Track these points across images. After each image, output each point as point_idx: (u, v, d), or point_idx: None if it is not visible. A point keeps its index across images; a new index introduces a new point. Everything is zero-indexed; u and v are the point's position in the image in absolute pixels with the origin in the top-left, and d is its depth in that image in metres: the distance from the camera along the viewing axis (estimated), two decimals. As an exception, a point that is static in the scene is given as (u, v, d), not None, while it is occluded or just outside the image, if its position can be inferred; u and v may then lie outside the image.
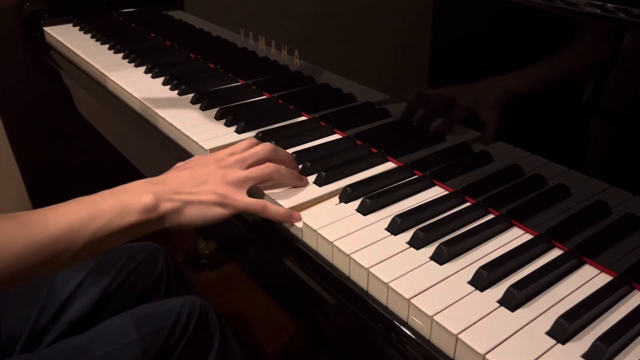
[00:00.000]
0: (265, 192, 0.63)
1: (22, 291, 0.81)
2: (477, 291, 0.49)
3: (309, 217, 0.58)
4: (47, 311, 0.80)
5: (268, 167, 0.61)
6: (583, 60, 0.51)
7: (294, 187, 0.64)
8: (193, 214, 0.57)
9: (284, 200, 0.61)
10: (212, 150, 0.73)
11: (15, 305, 0.80)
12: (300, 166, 0.68)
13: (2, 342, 0.77)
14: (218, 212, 0.58)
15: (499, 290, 0.48)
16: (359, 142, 0.75)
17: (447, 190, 0.64)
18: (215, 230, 0.80)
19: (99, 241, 0.53)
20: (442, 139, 0.68)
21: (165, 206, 0.56)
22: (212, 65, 1.05)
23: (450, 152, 0.67)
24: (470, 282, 0.50)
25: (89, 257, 0.53)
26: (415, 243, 0.54)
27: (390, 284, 0.49)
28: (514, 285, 0.47)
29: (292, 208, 0.60)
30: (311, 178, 0.66)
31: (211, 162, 0.61)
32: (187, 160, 0.64)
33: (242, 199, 0.59)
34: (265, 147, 0.63)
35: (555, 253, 0.54)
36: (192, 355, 0.76)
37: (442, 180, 0.65)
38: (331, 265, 0.55)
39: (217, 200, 0.58)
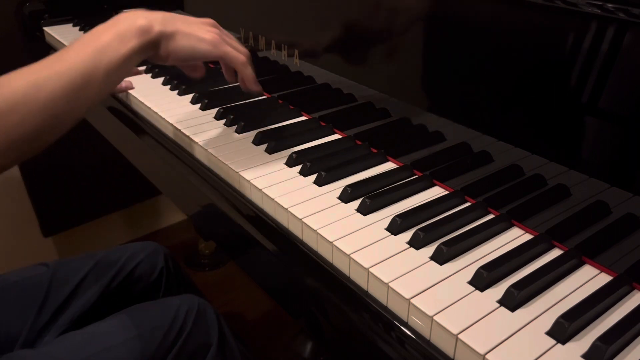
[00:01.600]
0: (265, 190, 0.63)
1: (21, 290, 0.81)
2: (477, 291, 0.49)
3: (309, 217, 0.58)
4: (47, 310, 0.81)
5: (243, 50, 0.68)
6: (583, 60, 0.51)
7: (251, 87, 0.71)
8: (184, 42, 0.61)
9: (284, 200, 0.61)
10: (211, 150, 0.73)
11: (14, 304, 0.80)
12: (300, 166, 0.68)
13: (1, 341, 0.77)
14: (206, 49, 0.63)
15: (499, 290, 0.49)
16: (359, 142, 0.75)
17: (447, 190, 0.64)
18: (215, 230, 0.80)
19: (111, 72, 0.55)
20: (442, 139, 0.68)
21: (159, 29, 0.59)
22: (212, 65, 1.05)
23: (450, 152, 0.67)
24: (470, 282, 0.50)
25: (106, 93, 0.57)
26: (415, 243, 0.54)
27: (390, 284, 0.49)
28: (514, 285, 0.47)
29: (292, 208, 0.60)
30: (311, 178, 0.66)
31: (202, 19, 0.67)
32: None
33: (230, 49, 0.65)
34: (246, 50, 0.70)
35: (555, 253, 0.54)
36: (190, 353, 0.76)
37: (442, 180, 0.65)
38: (331, 265, 0.55)
39: (210, 39, 0.63)
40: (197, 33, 0.63)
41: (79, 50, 0.55)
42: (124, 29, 0.57)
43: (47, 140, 0.55)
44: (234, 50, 0.67)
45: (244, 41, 0.94)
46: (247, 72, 0.69)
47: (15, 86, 0.51)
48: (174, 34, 0.61)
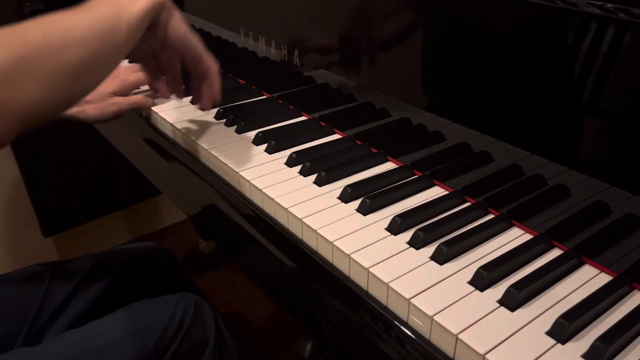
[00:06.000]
0: (265, 190, 0.63)
1: (20, 290, 0.82)
2: (477, 291, 0.49)
3: (309, 217, 0.58)
4: (46, 310, 0.81)
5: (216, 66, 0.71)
6: (583, 60, 0.51)
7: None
8: (180, 25, 0.64)
9: (283, 200, 0.61)
10: (211, 150, 0.73)
11: (13, 304, 0.80)
12: (300, 166, 0.68)
13: (1, 341, 0.77)
14: (195, 42, 0.67)
15: (499, 290, 0.49)
16: (359, 142, 0.75)
17: (447, 190, 0.64)
18: (215, 230, 0.80)
19: (132, 27, 0.56)
20: (442, 139, 0.68)
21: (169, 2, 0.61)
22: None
23: (450, 152, 0.67)
24: (470, 282, 0.50)
25: (128, 49, 0.58)
26: (415, 243, 0.54)
27: (390, 284, 0.49)
28: (514, 285, 0.47)
29: (292, 208, 0.60)
30: (311, 178, 0.66)
31: None
32: None
33: (210, 59, 0.70)
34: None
35: (555, 253, 0.54)
36: (187, 350, 0.77)
37: (442, 180, 0.65)
38: (331, 265, 0.55)
39: (198, 39, 0.67)
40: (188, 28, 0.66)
41: (99, 6, 0.55)
42: None
43: (91, 82, 0.55)
44: (212, 61, 0.70)
45: (244, 41, 0.94)
46: (217, 84, 0.72)
47: (63, 26, 0.51)
48: (174, 13, 0.63)
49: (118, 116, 0.80)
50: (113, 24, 0.54)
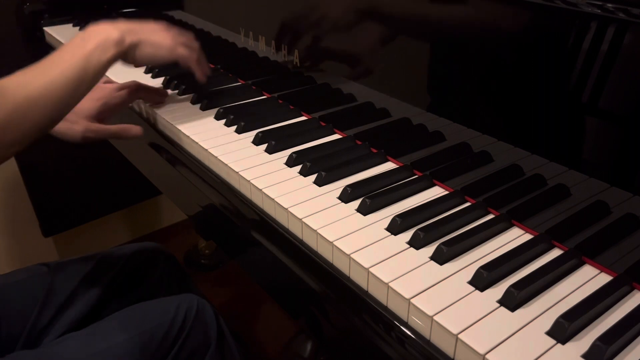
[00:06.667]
0: (265, 190, 0.63)
1: (21, 290, 0.81)
2: (477, 291, 0.49)
3: (309, 217, 0.58)
4: (48, 311, 0.81)
5: (195, 45, 0.80)
6: (583, 60, 0.51)
7: (202, 76, 0.82)
8: (147, 50, 0.73)
9: (283, 200, 0.61)
10: (211, 150, 0.73)
11: (14, 304, 0.80)
12: (300, 166, 0.68)
13: (2, 342, 0.77)
14: (164, 54, 0.75)
15: (499, 290, 0.49)
16: (359, 142, 0.75)
17: (447, 190, 0.64)
18: (215, 230, 0.80)
19: (96, 76, 0.67)
20: (442, 139, 0.68)
21: (129, 39, 0.70)
22: (212, 65, 1.05)
23: (450, 152, 0.67)
24: (470, 282, 0.50)
25: (90, 88, 0.69)
26: (415, 243, 0.54)
27: (390, 284, 0.49)
28: (514, 285, 0.47)
29: (292, 208, 0.60)
30: (311, 178, 0.66)
31: (157, 23, 0.77)
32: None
33: (183, 51, 0.77)
34: (197, 43, 0.81)
35: (555, 253, 0.54)
36: (189, 351, 0.77)
37: (442, 180, 0.65)
38: (331, 265, 0.55)
39: (167, 45, 0.74)
40: (156, 40, 0.73)
41: (69, 58, 0.65)
42: (103, 39, 0.68)
43: (49, 129, 0.67)
44: (187, 51, 0.77)
45: (244, 41, 0.94)
46: (198, 71, 0.80)
47: (20, 95, 0.61)
48: (138, 43, 0.72)
49: (96, 142, 0.81)
50: (82, 75, 0.65)
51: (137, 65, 0.76)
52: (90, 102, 0.80)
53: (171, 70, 1.00)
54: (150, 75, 1.01)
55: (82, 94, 0.67)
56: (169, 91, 0.93)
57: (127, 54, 0.71)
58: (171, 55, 0.75)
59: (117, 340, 0.72)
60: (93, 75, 0.67)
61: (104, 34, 0.68)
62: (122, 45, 0.69)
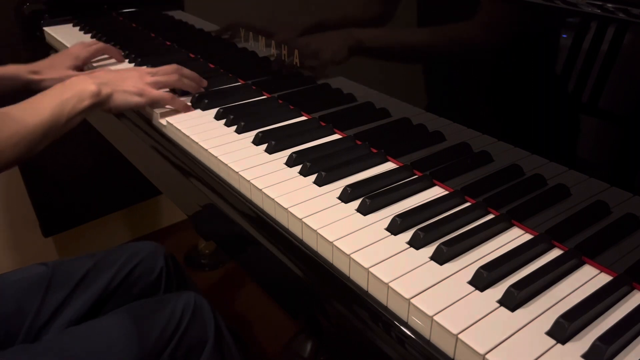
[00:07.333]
0: (264, 190, 0.63)
1: (20, 289, 0.82)
2: (477, 291, 0.49)
3: (308, 217, 0.58)
4: (46, 309, 0.81)
5: (171, 76, 0.87)
6: (583, 60, 0.51)
7: (195, 91, 0.90)
8: (120, 99, 0.81)
9: (283, 200, 0.61)
10: (212, 150, 0.73)
11: (13, 303, 0.80)
12: (300, 166, 0.68)
13: (0, 340, 0.77)
14: (137, 100, 0.82)
15: (499, 290, 0.49)
16: (359, 142, 0.75)
17: (447, 190, 0.64)
18: (215, 230, 0.80)
19: (70, 120, 0.75)
20: (442, 139, 0.68)
21: (105, 91, 0.79)
22: (212, 65, 1.05)
23: (450, 152, 0.67)
24: (470, 282, 0.50)
25: (64, 133, 0.76)
26: (415, 243, 0.54)
27: (390, 284, 0.49)
28: (514, 285, 0.47)
29: (292, 208, 0.60)
30: (311, 178, 0.66)
31: (130, 70, 0.87)
32: (109, 69, 0.93)
33: (156, 92, 0.83)
34: (171, 65, 0.89)
35: (555, 253, 0.54)
36: (187, 347, 0.77)
37: (442, 180, 0.65)
38: (331, 265, 0.55)
39: (137, 91, 0.82)
40: (127, 88, 0.81)
41: (48, 104, 0.73)
42: (81, 90, 0.76)
43: (15, 165, 0.73)
44: (157, 94, 0.83)
45: (244, 41, 0.94)
46: (176, 105, 0.85)
47: (7, 129, 0.68)
48: (112, 94, 0.80)
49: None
50: (55, 119, 0.73)
51: (114, 112, 0.86)
52: (65, 58, 1.00)
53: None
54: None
55: (53, 137, 0.74)
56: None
57: (103, 104, 0.79)
58: (144, 100, 0.82)
59: (115, 336, 0.72)
60: (66, 121, 0.74)
61: (83, 85, 0.77)
62: (97, 97, 0.77)
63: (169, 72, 0.87)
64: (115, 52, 1.09)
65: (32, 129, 0.70)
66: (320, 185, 0.64)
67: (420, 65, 0.68)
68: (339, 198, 0.62)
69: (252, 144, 0.74)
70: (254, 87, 0.94)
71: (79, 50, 1.03)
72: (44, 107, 0.73)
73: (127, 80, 0.82)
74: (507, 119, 0.60)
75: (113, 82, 0.80)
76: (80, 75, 0.80)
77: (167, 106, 0.85)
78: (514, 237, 0.56)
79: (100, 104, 0.79)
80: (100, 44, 1.06)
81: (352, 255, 0.52)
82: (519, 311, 0.47)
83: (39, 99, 0.74)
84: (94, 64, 1.08)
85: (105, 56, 1.10)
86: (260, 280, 0.71)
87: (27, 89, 0.95)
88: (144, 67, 0.89)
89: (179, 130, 0.79)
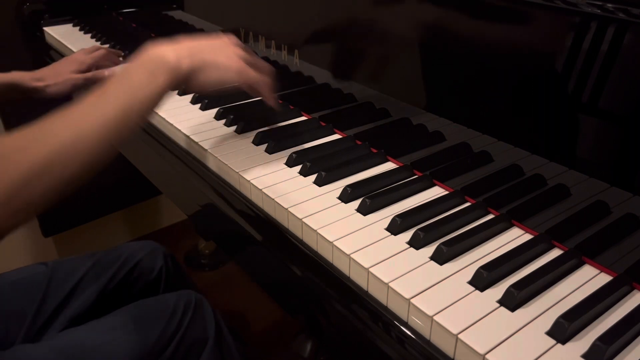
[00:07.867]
0: (264, 190, 0.63)
1: (20, 289, 0.82)
2: (477, 291, 0.49)
3: (308, 217, 0.58)
4: (46, 309, 0.81)
5: (265, 76, 0.67)
6: (583, 60, 0.51)
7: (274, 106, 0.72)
8: (212, 75, 0.62)
9: (283, 200, 0.61)
10: (212, 150, 0.73)
11: (12, 303, 0.80)
12: (300, 166, 0.68)
13: (0, 340, 0.77)
14: (233, 78, 0.64)
15: (499, 290, 0.48)
16: (359, 142, 0.75)
17: (447, 190, 0.64)
18: (215, 230, 0.80)
19: (144, 110, 0.56)
20: (442, 139, 0.68)
21: (187, 65, 0.59)
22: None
23: (450, 152, 0.67)
24: (470, 282, 0.49)
25: (143, 122, 0.59)
26: (415, 243, 0.54)
27: (390, 284, 0.49)
28: (514, 285, 0.47)
29: (292, 208, 0.60)
30: (311, 178, 0.66)
31: (215, 38, 0.65)
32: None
33: (254, 74, 0.65)
34: (269, 66, 0.69)
35: (555, 253, 0.54)
36: (187, 347, 0.77)
37: (442, 180, 0.65)
38: (331, 265, 0.55)
39: (236, 68, 0.63)
40: (224, 62, 0.63)
41: (112, 94, 0.55)
42: (154, 66, 0.57)
43: (86, 179, 0.56)
44: (258, 75, 0.66)
45: (244, 41, 0.94)
46: (271, 99, 0.70)
47: (62, 136, 0.51)
48: (201, 67, 0.61)
49: (75, 89, 0.96)
50: (125, 116, 0.54)
51: (198, 92, 0.65)
52: (66, 63, 0.97)
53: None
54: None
55: (125, 135, 0.56)
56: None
57: (187, 81, 0.60)
58: (240, 79, 0.65)
59: (115, 335, 0.72)
60: (138, 112, 0.55)
61: (156, 58, 0.58)
62: (177, 72, 0.58)
63: (262, 62, 0.69)
64: (116, 58, 1.06)
65: (88, 144, 0.52)
66: (320, 185, 0.64)
67: (420, 65, 0.68)
68: (339, 198, 0.62)
69: (252, 144, 0.74)
70: (254, 87, 0.94)
71: (83, 56, 1.00)
72: (108, 103, 0.54)
73: (220, 50, 0.63)
74: (507, 119, 0.60)
75: (202, 52, 0.61)
76: (160, 44, 0.59)
77: (263, 95, 0.69)
78: (514, 237, 0.56)
79: (183, 81, 0.60)
80: (103, 50, 1.03)
81: (352, 255, 0.52)
82: (519, 311, 0.47)
83: (102, 92, 0.55)
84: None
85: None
86: (260, 280, 0.71)
87: (31, 97, 0.93)
88: (231, 36, 0.67)
89: (179, 130, 0.79)
